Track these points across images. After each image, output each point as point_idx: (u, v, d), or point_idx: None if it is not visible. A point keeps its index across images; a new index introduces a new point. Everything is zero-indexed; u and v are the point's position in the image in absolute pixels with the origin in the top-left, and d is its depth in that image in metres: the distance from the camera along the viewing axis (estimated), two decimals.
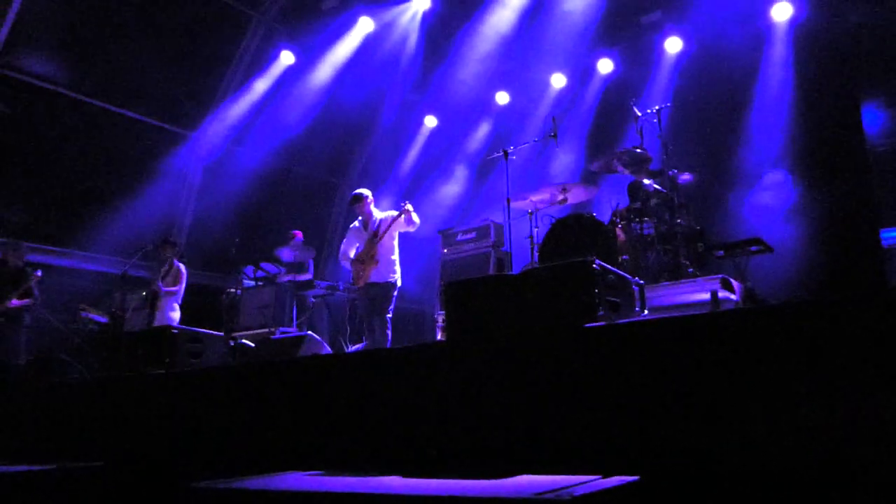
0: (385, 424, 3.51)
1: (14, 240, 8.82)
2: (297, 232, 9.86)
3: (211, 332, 6.07)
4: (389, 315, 7.45)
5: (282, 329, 8.78)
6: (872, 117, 9.21)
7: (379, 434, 3.51)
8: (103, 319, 9.51)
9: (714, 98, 9.23)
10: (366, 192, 7.79)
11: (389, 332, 7.38)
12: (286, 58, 11.41)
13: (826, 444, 2.32)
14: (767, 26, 9.55)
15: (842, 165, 8.74)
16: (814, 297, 2.74)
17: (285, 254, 9.56)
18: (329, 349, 6.74)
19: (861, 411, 2.29)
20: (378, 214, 7.71)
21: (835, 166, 8.73)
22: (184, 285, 8.84)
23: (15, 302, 8.42)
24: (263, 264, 9.92)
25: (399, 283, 7.60)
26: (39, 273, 8.58)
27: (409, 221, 7.39)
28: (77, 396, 5.50)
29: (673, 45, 10.19)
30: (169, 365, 5.37)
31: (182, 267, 8.80)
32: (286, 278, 9.60)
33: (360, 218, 7.79)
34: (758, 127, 9.24)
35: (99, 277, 10.12)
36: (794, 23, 9.42)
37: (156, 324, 8.19)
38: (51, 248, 9.81)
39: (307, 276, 9.64)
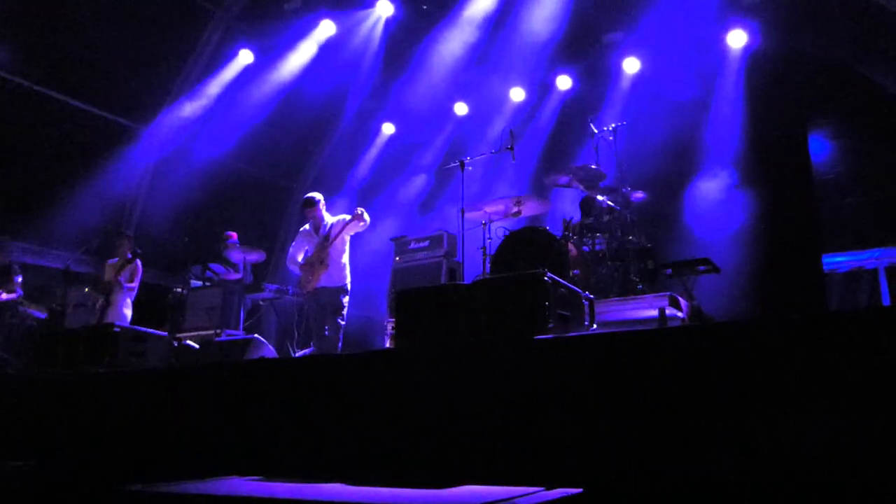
0: (329, 430, 3.46)
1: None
2: (231, 233, 9.70)
3: (154, 331, 5.95)
4: (343, 321, 7.38)
5: (228, 331, 8.63)
6: (819, 146, 9.50)
7: (323, 440, 3.46)
8: (42, 315, 9.26)
9: (669, 119, 9.38)
10: (318, 196, 7.71)
11: (341, 337, 7.32)
12: (245, 57, 11.26)
13: (768, 456, 2.36)
14: (722, 52, 9.78)
15: (789, 191, 8.98)
16: (757, 317, 2.80)
17: (234, 255, 9.40)
18: (275, 353, 6.65)
19: (800, 425, 2.34)
20: (330, 219, 7.63)
21: (782, 192, 8.97)
22: (139, 281, 8.68)
23: (3, 297, 8.56)
24: (212, 265, 9.74)
25: (349, 288, 7.55)
26: (20, 279, 8.82)
27: (360, 219, 7.34)
28: (11, 394, 5.32)
29: (631, 65, 10.35)
30: (109, 364, 5.23)
31: (139, 262, 8.61)
32: (221, 278, 9.46)
33: (310, 221, 7.70)
34: (710, 149, 9.43)
35: (40, 271, 9.83)
36: (747, 51, 9.66)
37: (109, 319, 7.97)
38: None
39: (237, 276, 9.46)
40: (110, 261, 8.77)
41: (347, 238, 7.58)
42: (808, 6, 9.10)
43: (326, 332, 7.33)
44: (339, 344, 7.31)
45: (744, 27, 9.57)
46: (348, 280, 7.55)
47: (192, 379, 4.33)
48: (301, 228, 7.84)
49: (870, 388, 2.27)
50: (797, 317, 2.49)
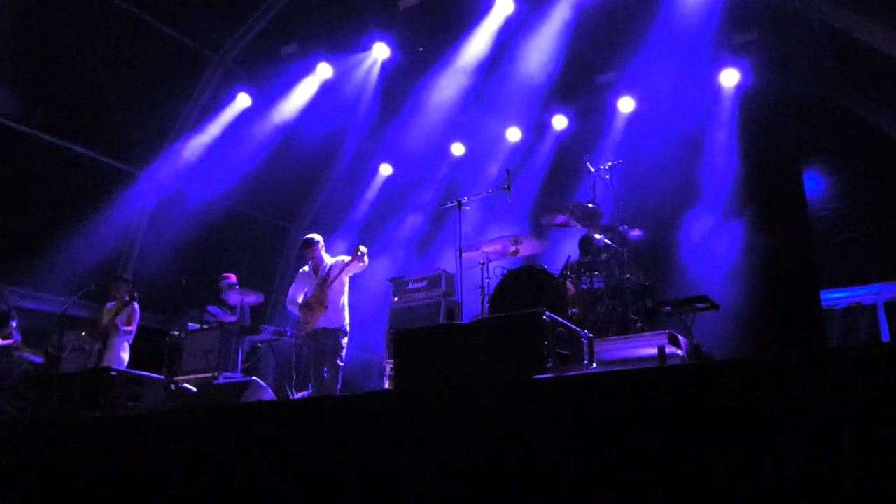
0: (329, 473, 3.42)
1: None
2: (229, 275, 9.67)
3: (151, 374, 5.91)
4: (342, 363, 7.33)
5: (226, 374, 8.56)
6: (814, 183, 9.56)
7: (323, 482, 3.42)
8: (38, 359, 9.20)
9: (664, 158, 9.44)
10: (317, 237, 7.73)
11: (340, 379, 7.26)
12: (243, 100, 11.37)
13: (771, 496, 2.33)
14: (716, 91, 9.89)
15: (785, 227, 9.01)
16: (758, 356, 2.79)
17: (232, 297, 9.37)
18: (274, 396, 6.58)
19: (801, 464, 2.31)
20: (329, 260, 7.64)
21: (778, 228, 8.99)
22: (136, 325, 8.66)
23: (0, 343, 8.63)
24: (210, 307, 9.70)
25: (348, 329, 7.51)
26: (15, 323, 8.88)
27: (360, 259, 7.32)
28: (6, 439, 5.25)
29: (625, 104, 10.45)
30: (105, 408, 5.18)
31: (136, 306, 8.61)
32: (217, 320, 9.43)
33: (309, 263, 7.70)
34: (706, 186, 9.48)
35: (36, 316, 9.78)
36: (740, 89, 9.77)
37: (106, 363, 7.94)
38: None
39: (234, 318, 9.42)
40: (108, 305, 8.76)
41: (346, 279, 7.57)
42: (799, 47, 9.23)
43: (325, 374, 7.28)
44: (338, 386, 7.26)
45: (736, 66, 9.69)
46: (347, 321, 7.52)
47: (189, 422, 4.29)
48: (300, 270, 7.84)
49: (875, 425, 2.25)
50: (799, 354, 2.48)
